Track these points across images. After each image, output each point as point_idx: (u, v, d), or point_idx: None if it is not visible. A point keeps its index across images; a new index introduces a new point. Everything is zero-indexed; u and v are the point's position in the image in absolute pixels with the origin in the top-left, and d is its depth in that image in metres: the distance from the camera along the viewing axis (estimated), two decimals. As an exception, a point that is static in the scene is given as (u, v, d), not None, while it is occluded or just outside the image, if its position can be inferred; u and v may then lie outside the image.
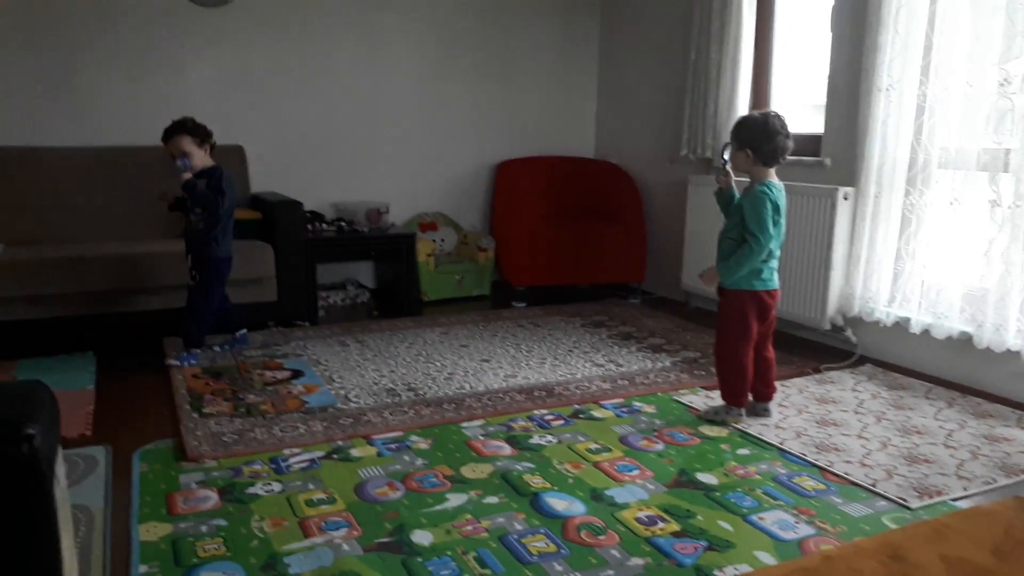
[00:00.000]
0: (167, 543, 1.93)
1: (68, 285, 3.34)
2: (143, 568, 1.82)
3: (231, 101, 4.32)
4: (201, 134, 3.25)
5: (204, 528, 2.00)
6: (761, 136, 2.60)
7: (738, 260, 2.63)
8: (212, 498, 2.16)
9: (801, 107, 4.06)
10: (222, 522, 2.03)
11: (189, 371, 3.20)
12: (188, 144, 3.20)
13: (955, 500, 2.22)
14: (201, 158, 3.25)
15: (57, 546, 1.13)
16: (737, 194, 2.75)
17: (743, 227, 2.64)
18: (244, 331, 3.59)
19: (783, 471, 2.40)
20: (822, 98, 3.70)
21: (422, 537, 1.97)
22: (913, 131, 3.20)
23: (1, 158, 3.72)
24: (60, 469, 1.25)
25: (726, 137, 4.07)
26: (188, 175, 3.19)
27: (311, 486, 2.24)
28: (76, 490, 2.17)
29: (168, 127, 3.22)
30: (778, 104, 4.12)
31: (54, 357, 3.37)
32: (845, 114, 3.53)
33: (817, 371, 3.38)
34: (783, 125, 2.62)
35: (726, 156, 2.74)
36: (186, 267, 3.36)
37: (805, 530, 2.04)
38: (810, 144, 3.83)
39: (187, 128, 3.21)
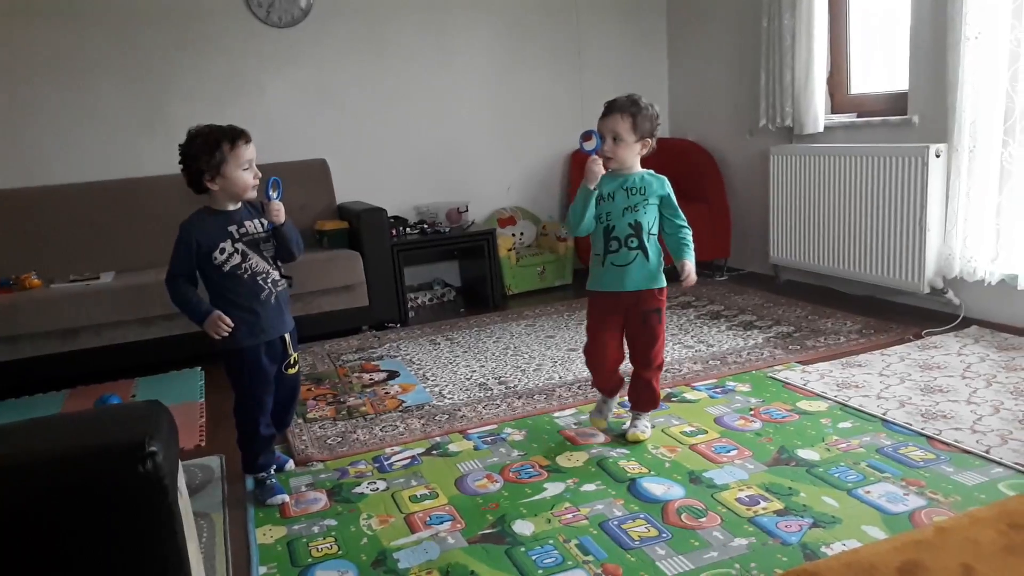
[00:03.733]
0: (283, 545, 2.03)
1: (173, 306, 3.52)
2: (263, 569, 1.92)
3: (311, 116, 4.47)
4: None
5: (316, 529, 2.09)
6: (656, 128, 2.51)
7: (690, 247, 2.50)
8: (321, 499, 2.26)
9: (881, 65, 3.89)
10: (332, 522, 2.12)
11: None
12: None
13: (1078, 463, 2.11)
14: None
15: (183, 553, 1.22)
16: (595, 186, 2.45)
17: (673, 216, 2.50)
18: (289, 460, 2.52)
19: (888, 442, 2.32)
20: (904, 54, 3.54)
21: (523, 527, 2.01)
22: (1008, 79, 3.03)
23: (106, 191, 3.96)
24: (181, 481, 1.34)
25: (806, 105, 3.95)
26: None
27: (414, 482, 2.31)
28: (196, 499, 2.31)
29: (242, 131, 2.24)
30: (858, 64, 3.97)
31: (167, 373, 3.57)
32: (931, 69, 3.38)
33: (919, 337, 3.25)
34: None
35: (597, 145, 2.45)
36: (281, 360, 2.34)
37: (915, 502, 1.98)
38: (895, 103, 3.67)
39: None
